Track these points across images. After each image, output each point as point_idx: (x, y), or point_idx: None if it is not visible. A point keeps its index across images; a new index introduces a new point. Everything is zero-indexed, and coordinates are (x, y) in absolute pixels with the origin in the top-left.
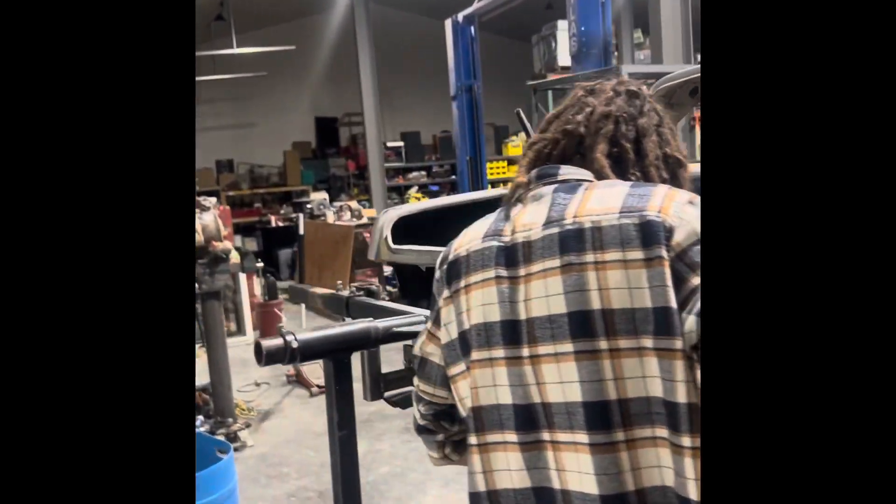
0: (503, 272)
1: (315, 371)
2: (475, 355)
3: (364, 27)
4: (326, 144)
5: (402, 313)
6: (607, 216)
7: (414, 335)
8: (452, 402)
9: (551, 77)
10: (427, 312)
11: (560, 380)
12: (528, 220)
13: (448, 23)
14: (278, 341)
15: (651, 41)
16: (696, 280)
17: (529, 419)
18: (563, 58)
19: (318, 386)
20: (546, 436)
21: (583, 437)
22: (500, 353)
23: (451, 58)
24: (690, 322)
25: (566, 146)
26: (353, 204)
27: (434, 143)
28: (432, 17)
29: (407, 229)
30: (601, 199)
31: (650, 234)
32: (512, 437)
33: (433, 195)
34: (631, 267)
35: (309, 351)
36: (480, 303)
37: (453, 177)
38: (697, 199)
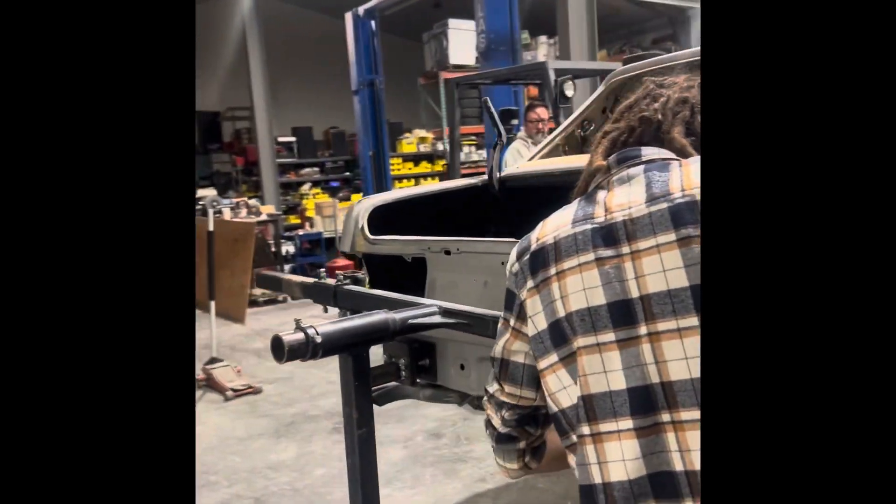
0: (605, 252)
1: (227, 374)
2: (581, 342)
3: (254, 20)
4: (209, 140)
5: (399, 303)
6: None
7: (429, 327)
8: (538, 404)
9: (444, 75)
10: (429, 302)
11: (685, 356)
12: (624, 200)
13: (349, 17)
14: (299, 336)
15: (560, 39)
16: None
17: (647, 402)
18: (456, 55)
19: (232, 390)
20: (666, 417)
21: None
22: (609, 336)
23: (352, 52)
24: None
25: (643, 133)
26: (251, 200)
27: (327, 138)
28: (323, 12)
29: (374, 221)
30: None
31: None
32: (627, 423)
33: (333, 192)
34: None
35: (331, 345)
36: (580, 287)
37: (347, 173)
38: None
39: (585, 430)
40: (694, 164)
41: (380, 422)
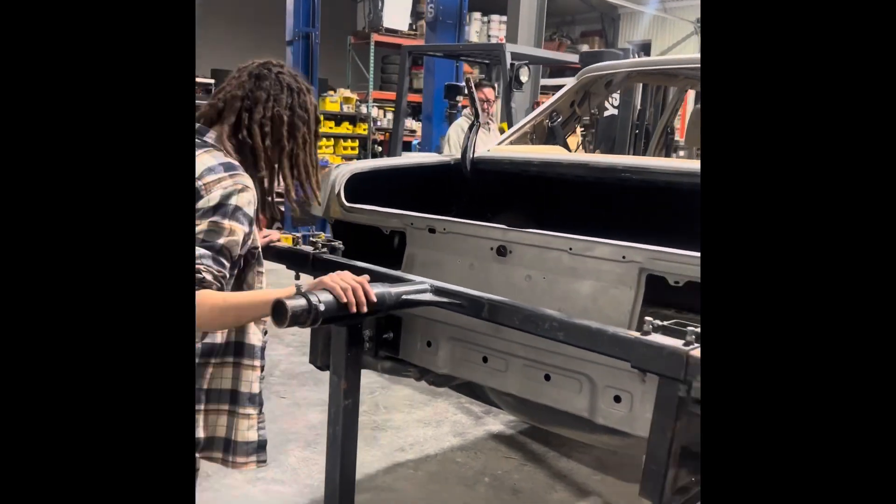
0: None
1: None
2: None
3: None
4: None
5: (382, 276)
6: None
7: (422, 304)
8: None
9: (376, 38)
10: (419, 279)
11: None
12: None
13: None
14: (301, 302)
15: (508, 22)
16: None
17: None
18: (389, 19)
19: None
20: None
21: None
22: None
23: (290, 1)
24: None
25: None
26: None
27: None
28: None
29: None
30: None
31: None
32: None
33: None
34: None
35: (331, 314)
36: None
37: None
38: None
39: None
40: (199, 160)
41: (296, 383)
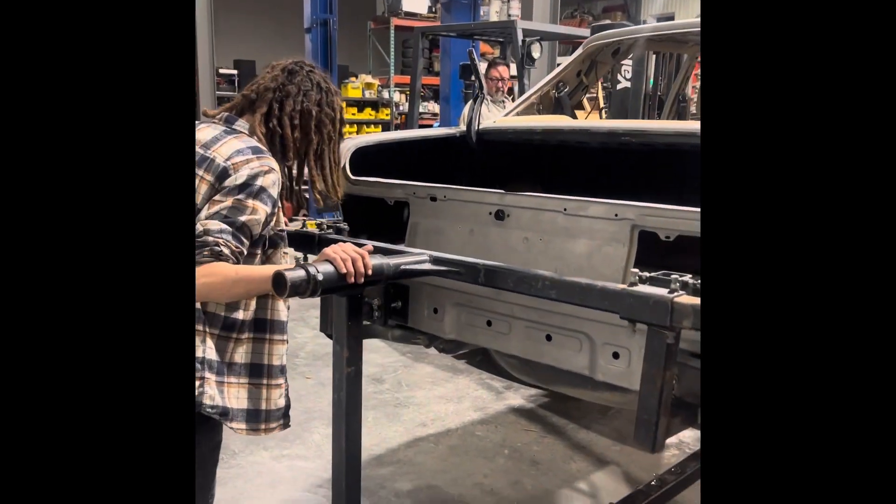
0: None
1: None
2: None
3: None
4: None
5: (385, 252)
6: (220, 156)
7: (420, 274)
8: None
9: (395, 22)
10: (418, 250)
11: None
12: (202, 137)
13: None
14: (301, 273)
15: None
16: (218, 198)
17: None
18: (408, 3)
19: None
20: None
21: None
22: None
23: None
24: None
25: (243, 104)
26: None
27: None
28: None
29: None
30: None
31: (219, 170)
32: None
33: None
34: (201, 182)
35: (329, 284)
36: None
37: None
38: (255, 166)
39: None
40: (229, 144)
41: (321, 364)
